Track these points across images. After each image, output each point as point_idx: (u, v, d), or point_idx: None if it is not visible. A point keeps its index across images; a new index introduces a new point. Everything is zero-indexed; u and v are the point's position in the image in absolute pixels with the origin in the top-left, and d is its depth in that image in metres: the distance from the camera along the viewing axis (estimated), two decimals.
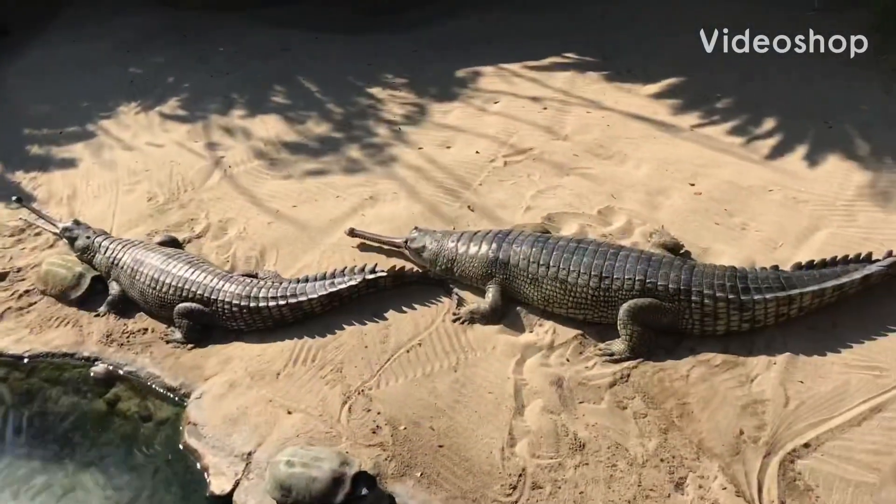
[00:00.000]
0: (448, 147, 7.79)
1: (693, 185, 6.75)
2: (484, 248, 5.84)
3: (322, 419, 5.16)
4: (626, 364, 5.20)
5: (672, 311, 5.20)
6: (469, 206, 6.83)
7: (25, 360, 6.12)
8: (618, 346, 5.30)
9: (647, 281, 5.25)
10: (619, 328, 5.28)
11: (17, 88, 9.54)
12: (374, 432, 5.00)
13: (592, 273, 5.37)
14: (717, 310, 5.13)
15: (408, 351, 5.54)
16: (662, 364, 5.17)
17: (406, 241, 6.28)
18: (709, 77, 8.43)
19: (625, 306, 5.24)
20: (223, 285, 5.94)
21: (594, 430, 4.82)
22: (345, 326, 5.82)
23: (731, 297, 5.11)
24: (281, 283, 6.00)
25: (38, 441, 5.64)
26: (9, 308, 6.54)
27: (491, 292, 5.73)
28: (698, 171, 6.92)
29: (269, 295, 5.87)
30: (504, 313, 5.70)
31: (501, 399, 5.07)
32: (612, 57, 9.26)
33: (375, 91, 9.10)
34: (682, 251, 5.99)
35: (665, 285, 5.21)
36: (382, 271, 5.98)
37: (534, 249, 5.62)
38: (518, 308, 5.72)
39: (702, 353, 5.18)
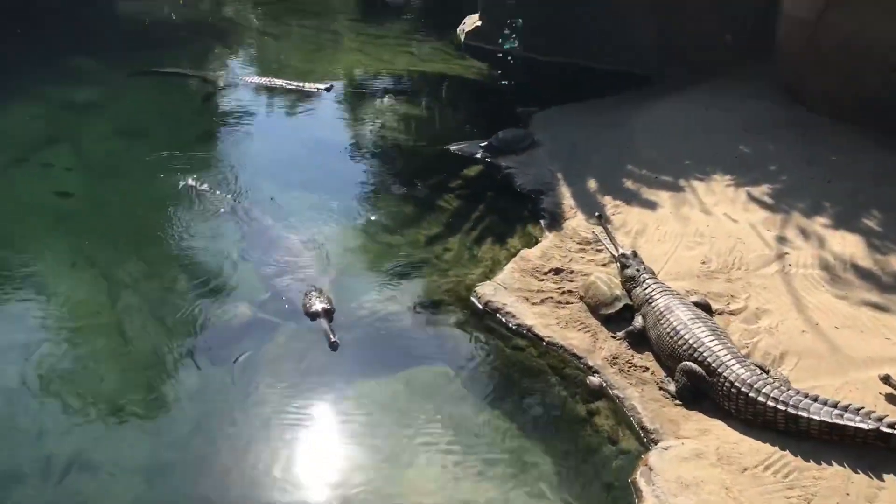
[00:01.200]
0: None
1: None
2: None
3: None
4: None
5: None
6: None
7: (544, 343, 7.01)
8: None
9: None
10: None
11: (640, 131, 10.72)
12: None
13: None
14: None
15: None
16: None
17: None
18: None
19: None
20: (734, 364, 5.98)
21: None
22: (833, 463, 5.41)
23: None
24: (788, 390, 5.82)
25: (514, 412, 6.45)
26: (551, 297, 7.53)
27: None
28: None
29: (773, 395, 5.73)
30: None
31: None
32: None
33: None
34: None
35: None
36: None
37: None
38: None
39: None
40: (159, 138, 11.35)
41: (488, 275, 8.03)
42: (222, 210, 9.28)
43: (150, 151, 10.75)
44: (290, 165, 10.76)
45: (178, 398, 6.58)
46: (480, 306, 7.55)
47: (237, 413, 6.38)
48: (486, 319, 7.44)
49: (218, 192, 9.57)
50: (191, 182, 9.70)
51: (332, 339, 6.95)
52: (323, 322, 7.16)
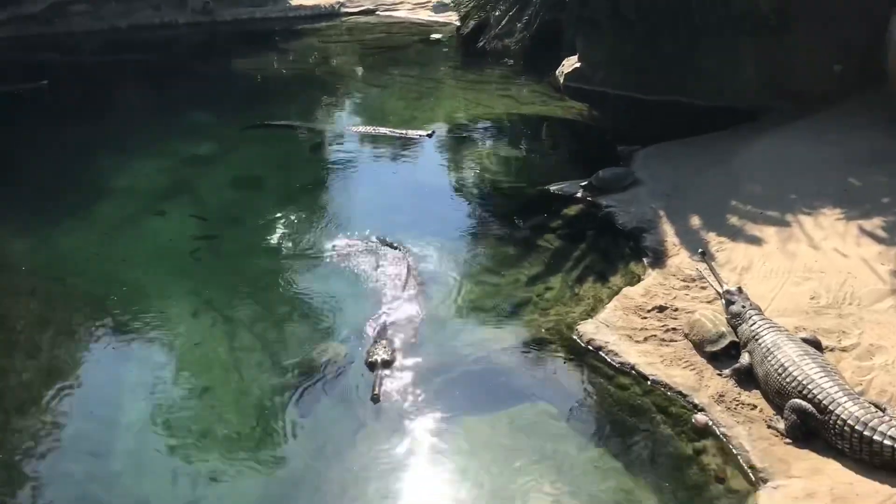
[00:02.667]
0: None
1: None
2: None
3: None
4: None
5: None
6: None
7: (648, 381, 6.98)
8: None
9: None
10: None
11: (743, 167, 10.57)
12: None
13: None
14: None
15: None
16: None
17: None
18: None
19: None
20: (846, 402, 5.82)
21: None
22: None
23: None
24: None
25: (619, 451, 6.47)
26: (654, 335, 7.51)
27: None
28: None
29: (890, 433, 5.55)
30: None
31: None
32: None
33: None
34: None
35: None
36: None
37: None
38: None
39: None
40: (272, 187, 12.01)
41: (590, 313, 8.08)
42: (335, 255, 9.71)
43: (264, 200, 11.37)
44: (394, 209, 11.13)
45: (289, 435, 6.89)
46: (583, 344, 7.61)
47: (345, 449, 6.62)
48: (588, 358, 7.48)
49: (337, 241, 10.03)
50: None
51: (376, 392, 7.04)
52: (379, 372, 7.30)
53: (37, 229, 10.63)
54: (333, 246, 9.88)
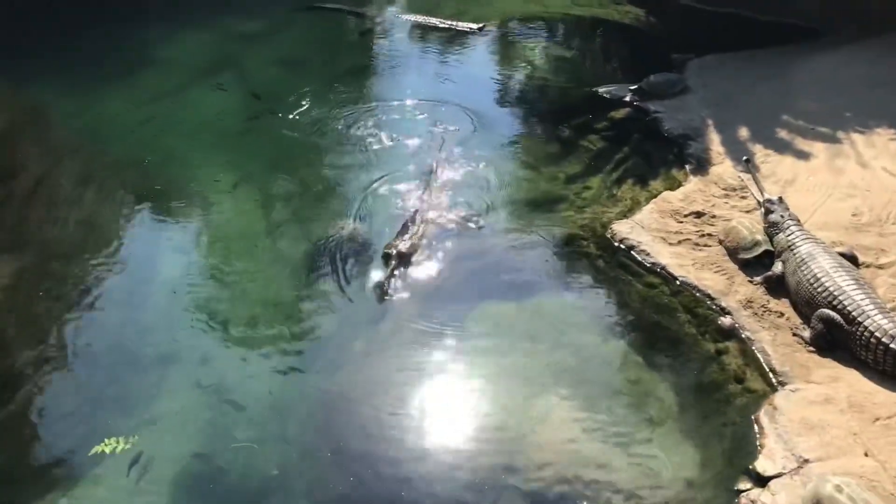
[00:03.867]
0: None
1: None
2: None
3: (895, 482, 4.83)
4: None
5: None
6: None
7: (677, 282, 6.97)
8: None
9: None
10: None
11: (799, 82, 10.23)
12: None
13: None
14: None
15: None
16: None
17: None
18: None
19: None
20: (876, 314, 5.77)
21: None
22: None
23: None
24: None
25: (642, 346, 6.55)
26: (689, 239, 7.45)
27: None
28: None
29: None
30: None
31: None
32: None
33: None
34: None
35: None
36: None
37: None
38: None
39: None
40: (318, 69, 11.88)
41: (626, 214, 8.03)
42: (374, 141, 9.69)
43: (309, 80, 11.29)
44: (438, 97, 10.99)
45: (317, 305, 7.06)
46: (615, 243, 7.59)
47: (371, 333, 6.73)
48: (620, 256, 7.47)
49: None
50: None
51: (385, 288, 6.97)
52: (393, 266, 7.19)
53: (82, 93, 10.71)
54: (375, 131, 9.84)
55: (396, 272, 7.19)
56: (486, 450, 5.63)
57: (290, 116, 10.28)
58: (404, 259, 7.35)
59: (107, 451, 5.56)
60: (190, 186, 8.81)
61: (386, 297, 6.96)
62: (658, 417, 5.82)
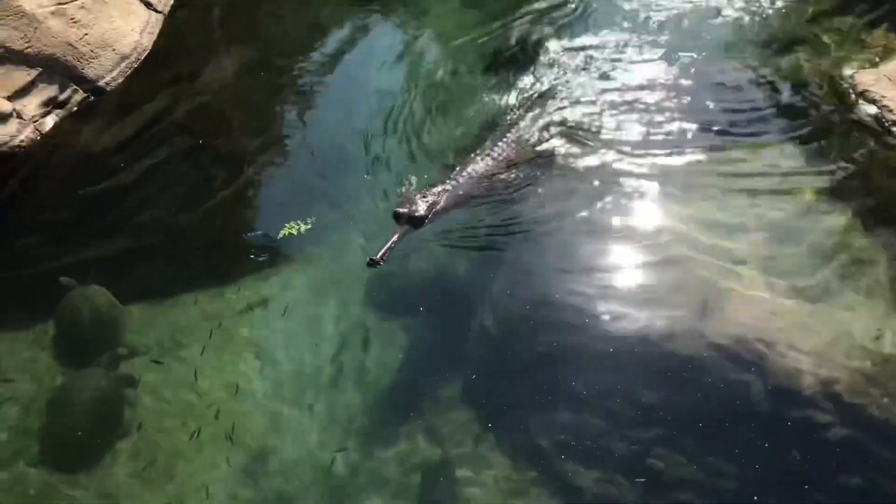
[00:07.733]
0: None
1: None
2: None
3: None
4: None
5: None
6: None
7: None
8: None
9: None
10: None
11: None
12: None
13: None
14: None
15: None
16: None
17: None
18: None
19: None
20: None
21: None
22: None
23: None
24: None
25: (858, 204, 6.04)
26: None
27: None
28: None
29: None
30: None
31: None
32: None
33: None
34: None
35: None
36: None
37: None
38: None
39: None
40: None
41: (874, 63, 7.13)
42: None
43: None
44: None
45: None
46: (853, 95, 6.82)
47: None
48: (856, 109, 6.72)
49: None
50: None
51: (378, 257, 5.30)
52: (399, 230, 5.60)
53: None
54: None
55: (398, 239, 5.54)
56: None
57: None
58: (417, 223, 5.71)
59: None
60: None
61: (376, 265, 5.34)
62: (868, 287, 5.43)
